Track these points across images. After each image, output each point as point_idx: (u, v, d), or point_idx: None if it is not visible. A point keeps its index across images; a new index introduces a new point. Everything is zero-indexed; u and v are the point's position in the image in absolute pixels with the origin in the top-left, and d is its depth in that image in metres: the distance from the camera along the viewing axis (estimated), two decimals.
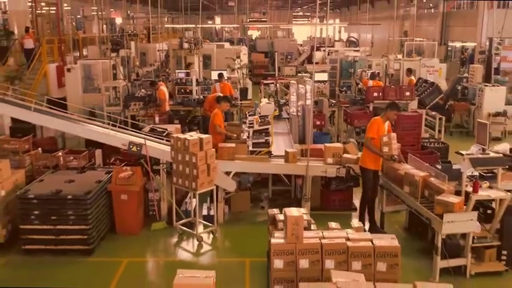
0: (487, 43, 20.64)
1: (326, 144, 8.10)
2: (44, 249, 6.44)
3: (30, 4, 20.15)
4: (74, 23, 26.65)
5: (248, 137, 8.20)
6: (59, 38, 18.98)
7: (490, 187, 6.18)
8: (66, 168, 7.65)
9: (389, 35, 24.80)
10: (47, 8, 26.44)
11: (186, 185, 6.79)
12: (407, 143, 9.15)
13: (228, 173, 7.43)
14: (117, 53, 15.58)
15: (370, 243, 4.26)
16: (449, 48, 26.79)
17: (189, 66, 15.11)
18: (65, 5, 24.58)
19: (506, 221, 6.12)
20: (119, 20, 32.96)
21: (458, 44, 25.77)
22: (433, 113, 11.59)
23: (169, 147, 7.19)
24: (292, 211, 4.47)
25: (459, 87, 14.11)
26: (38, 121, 7.72)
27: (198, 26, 20.95)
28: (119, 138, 7.44)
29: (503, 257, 6.10)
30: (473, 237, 5.98)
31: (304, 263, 4.20)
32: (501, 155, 6.38)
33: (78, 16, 29.53)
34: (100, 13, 26.40)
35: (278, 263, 4.28)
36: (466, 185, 6.08)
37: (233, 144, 7.66)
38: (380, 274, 4.09)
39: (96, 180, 6.91)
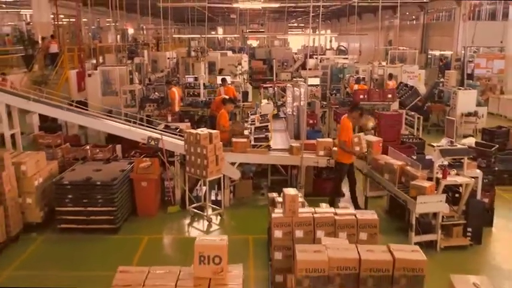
0: (462, 51, 21.14)
1: (318, 139, 8.57)
2: (76, 228, 6.86)
3: (52, 16, 20.54)
4: (90, 33, 27.05)
5: (250, 133, 8.68)
6: (78, 46, 19.43)
7: (457, 174, 6.64)
8: (93, 160, 8.11)
9: (375, 44, 25.28)
10: (67, 20, 26.91)
11: (198, 173, 7.25)
12: (389, 138, 9.50)
13: (233, 164, 7.90)
14: (132, 61, 16.03)
15: (354, 217, 4.73)
16: (429, 56, 27.31)
17: (221, 71, 15.34)
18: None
19: (471, 203, 6.58)
20: (131, 31, 33.40)
21: (437, 52, 26.28)
22: (413, 113, 12.07)
23: (183, 141, 7.67)
24: (290, 191, 4.94)
25: (436, 91, 14.59)
26: (72, 119, 8.14)
27: (203, 36, 21.36)
28: (140, 133, 7.90)
29: (468, 234, 6.55)
30: (443, 217, 6.45)
31: (299, 233, 4.65)
32: (466, 147, 6.86)
33: (93, 27, 29.93)
34: (115, 24, 26.92)
35: (278, 233, 4.75)
36: (437, 172, 6.55)
37: (245, 139, 8.13)
38: (362, 242, 4.54)
39: (120, 169, 7.37)
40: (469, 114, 12.79)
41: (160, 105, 11.83)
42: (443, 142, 6.88)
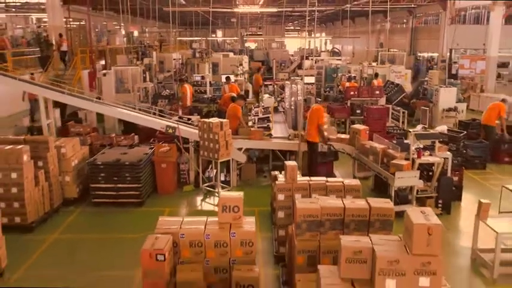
0: (448, 53, 22.31)
1: None
2: (107, 202, 7.91)
3: (65, 20, 21.54)
4: (98, 36, 28.04)
5: (254, 123, 9.76)
6: (89, 48, 20.46)
7: (430, 155, 7.75)
8: (118, 146, 9.18)
9: (367, 46, 26.39)
10: (77, 23, 27.89)
11: (210, 156, 8.32)
12: (376, 129, 10.58)
13: (239, 149, 8.97)
14: (141, 61, 17.07)
15: (342, 183, 5.80)
16: (418, 58, 28.45)
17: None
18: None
19: (442, 179, 7.67)
20: (135, 33, 34.39)
21: (425, 54, 27.43)
22: (398, 108, 13.17)
23: (195, 130, 8.75)
24: (290, 162, 6.02)
25: (421, 89, 15.72)
26: (102, 110, 9.19)
27: (206, 38, 22.46)
28: (159, 122, 8.98)
29: (439, 204, 7.66)
30: (418, 190, 7.55)
31: (298, 196, 5.68)
32: (438, 132, 7.97)
33: (96, 29, 30.93)
34: (120, 27, 27.90)
35: (280, 197, 5.81)
36: (413, 154, 7.64)
37: (262, 129, 9.22)
38: None
39: (144, 153, 8.44)
40: (449, 110, 13.90)
41: (171, 101, 12.88)
42: (418, 128, 7.99)
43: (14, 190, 6.78)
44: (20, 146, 6.85)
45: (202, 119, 8.63)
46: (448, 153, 7.92)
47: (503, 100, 11.13)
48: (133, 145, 9.07)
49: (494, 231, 5.66)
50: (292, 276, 4.97)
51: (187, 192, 8.80)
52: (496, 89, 19.42)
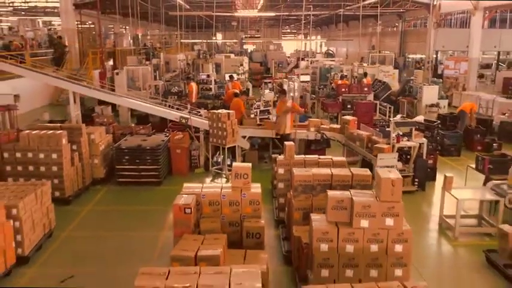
0: (434, 55, 23.48)
1: (310, 119, 10.78)
2: (131, 181, 8.99)
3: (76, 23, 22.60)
4: (103, 38, 29.11)
5: (256, 115, 10.86)
6: (100, 50, 21.52)
7: (408, 140, 8.88)
8: (136, 134, 10.27)
9: (360, 48, 27.59)
10: (86, 26, 28.98)
11: (219, 142, 9.41)
12: (364, 121, 11.75)
13: (243, 137, 10.08)
14: (150, 62, 18.15)
15: (331, 159, 6.91)
16: (408, 60, 29.64)
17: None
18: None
19: (418, 161, 8.79)
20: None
21: (414, 56, 28.62)
22: (385, 104, 14.30)
23: (205, 120, 9.86)
24: (289, 143, 7.13)
25: (407, 87, 16.86)
26: (123, 103, 10.28)
27: (207, 41, 23.57)
28: (174, 114, 10.07)
29: (415, 182, 8.78)
30: (397, 170, 8.67)
31: (295, 171, 6.81)
32: (415, 121, 9.09)
33: (105, 32, 32.05)
34: (124, 29, 28.90)
35: (281, 171, 6.91)
36: (393, 139, 8.76)
37: (274, 120, 10.30)
38: None
39: (161, 140, 9.53)
40: (432, 105, 15.05)
41: (180, 97, 13.98)
42: (397, 117, 9.11)
43: (55, 168, 7.85)
44: (59, 131, 7.94)
45: (212, 111, 9.74)
46: (424, 139, 9.05)
47: None
48: (150, 134, 10.16)
49: (455, 198, 6.80)
50: (290, 233, 6.09)
51: (198, 174, 9.89)
52: (478, 88, 20.61)
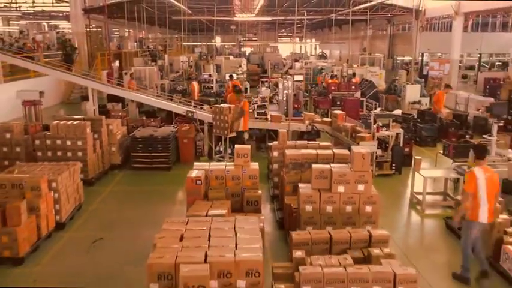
0: (420, 57, 24.62)
1: (305, 113, 11.86)
2: (144, 167, 10.04)
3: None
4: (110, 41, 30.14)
5: (254, 110, 11.93)
6: (107, 52, 22.58)
7: (386, 130, 9.97)
8: (147, 126, 11.32)
9: (351, 50, 28.65)
10: (94, 29, 29.96)
11: (222, 132, 10.48)
12: (351, 116, 12.83)
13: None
14: (155, 63, 19.22)
15: (318, 144, 7.98)
16: (397, 61, 30.78)
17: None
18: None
19: (395, 148, 9.85)
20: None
21: (402, 58, 29.76)
22: (371, 100, 15.40)
23: (208, 114, 10.92)
24: (282, 130, 8.21)
25: (393, 86, 17.98)
26: (139, 99, 11.30)
27: (207, 44, 24.62)
28: (181, 108, 11.13)
29: (393, 167, 9.87)
30: (377, 156, 9.75)
31: (287, 151, 7.86)
32: (392, 114, 10.18)
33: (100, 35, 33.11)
34: (128, 32, 29.87)
35: (275, 154, 7.97)
36: (374, 129, 9.85)
37: (281, 115, 11.34)
38: None
39: (170, 131, 10.59)
40: (414, 102, 16.17)
41: (185, 95, 15.03)
42: (377, 110, 10.20)
43: (80, 154, 8.88)
44: (84, 122, 8.99)
45: (215, 105, 10.80)
46: (401, 130, 10.14)
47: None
48: (160, 126, 11.22)
49: (423, 176, 7.89)
50: (282, 203, 7.16)
51: (202, 161, 10.93)
52: (460, 88, 21.72)
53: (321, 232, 5.12)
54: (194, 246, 4.26)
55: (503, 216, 6.02)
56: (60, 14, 34.72)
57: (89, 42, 24.57)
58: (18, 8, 30.74)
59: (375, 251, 4.68)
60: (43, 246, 6.45)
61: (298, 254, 4.60)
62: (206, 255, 4.06)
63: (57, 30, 34.29)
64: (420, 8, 23.42)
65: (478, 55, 26.38)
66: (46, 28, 41.11)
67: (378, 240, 4.94)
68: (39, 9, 31.05)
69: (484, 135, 8.71)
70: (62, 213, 6.98)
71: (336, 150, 7.04)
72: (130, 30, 34.85)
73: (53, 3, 29.61)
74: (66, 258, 6.21)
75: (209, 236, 4.49)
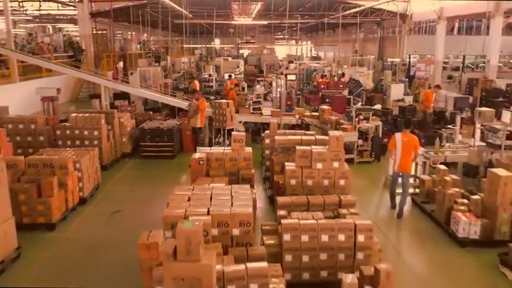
0: (407, 59, 25.74)
1: (296, 108, 12.94)
2: (151, 155, 11.09)
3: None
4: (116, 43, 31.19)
5: (249, 105, 13.01)
6: (113, 53, 23.64)
7: (367, 123, 11.06)
8: (154, 119, 12.39)
9: (344, 52, 29.80)
10: (98, 32, 31.04)
11: (221, 125, 11.55)
12: (338, 111, 13.90)
13: (240, 122, 12.20)
14: (159, 63, 20.29)
15: (304, 132, 9.06)
16: (387, 63, 31.88)
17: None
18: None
19: (374, 138, 10.95)
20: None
21: (392, 59, 30.87)
22: (358, 98, 16.49)
23: (208, 109, 11.99)
24: (273, 120, 9.28)
25: (379, 85, 19.08)
26: (147, 95, 12.37)
27: (206, 46, 25.69)
28: (185, 103, 12.20)
29: (372, 155, 10.97)
30: (358, 145, 10.84)
31: (276, 137, 8.91)
32: (373, 108, 11.27)
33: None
34: (131, 35, 30.88)
35: (267, 141, 9.06)
36: (355, 122, 10.94)
37: (280, 110, 12.39)
38: None
39: (175, 123, 11.66)
40: (398, 100, 17.25)
41: (186, 93, 16.10)
42: (358, 104, 11.29)
43: (95, 142, 9.92)
44: (99, 114, 10.06)
45: (215, 100, 11.88)
46: (380, 122, 11.23)
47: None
48: (166, 119, 12.29)
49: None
50: (272, 181, 8.23)
51: None
52: (445, 87, 22.81)
53: (301, 197, 6.21)
54: (199, 204, 5.33)
55: (455, 189, 7.11)
56: (65, 17, 35.85)
57: (95, 44, 25.66)
58: (24, 12, 31.84)
59: (343, 210, 5.76)
60: (70, 216, 7.51)
61: (281, 212, 5.69)
62: (208, 210, 5.14)
63: (64, 33, 35.29)
64: (407, 13, 24.53)
65: (462, 57, 27.47)
66: (51, 31, 42.14)
67: (346, 204, 6.02)
68: (45, 12, 32.17)
69: (448, 126, 9.79)
70: (84, 190, 8.04)
71: (318, 136, 8.12)
72: (133, 33, 35.93)
73: (58, 7, 30.75)
74: (90, 226, 7.28)
75: (211, 198, 5.56)
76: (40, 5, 30.49)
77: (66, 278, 5.67)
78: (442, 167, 7.98)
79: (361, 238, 5.12)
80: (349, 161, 10.60)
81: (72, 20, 36.33)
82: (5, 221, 5.88)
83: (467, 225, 6.38)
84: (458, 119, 9.38)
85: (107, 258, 6.15)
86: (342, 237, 5.13)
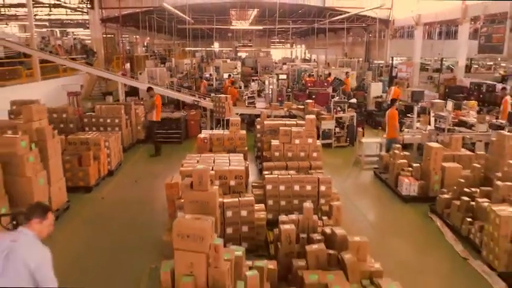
0: (390, 61, 27.58)
1: (285, 102, 14.74)
2: (161, 141, 12.81)
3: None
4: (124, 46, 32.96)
5: (245, 100, 14.83)
6: (122, 55, 25.40)
7: (343, 113, 12.88)
8: (163, 111, 14.15)
9: (336, 54, 31.59)
10: (108, 36, 32.83)
11: (220, 116, 13.34)
12: (321, 105, 15.75)
13: (236, 113, 13.99)
14: (164, 65, 22.07)
15: (288, 119, 10.86)
16: (373, 65, 33.74)
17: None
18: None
19: (349, 127, 12.77)
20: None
21: (378, 62, 32.73)
22: (343, 95, 18.30)
23: (210, 103, 13.79)
24: (264, 111, 11.07)
25: (362, 84, 20.92)
26: (161, 92, 14.10)
27: (206, 49, 27.44)
28: (190, 98, 14.01)
29: (347, 140, 12.79)
30: (335, 132, 12.66)
31: (265, 122, 10.69)
32: (348, 101, 13.10)
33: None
34: (135, 38, 32.59)
35: (258, 126, 10.85)
36: (334, 112, 12.75)
37: (278, 103, 14.21)
38: None
39: (181, 114, 13.46)
40: (377, 97, 19.06)
41: (190, 90, 17.91)
42: (336, 98, 13.13)
43: (116, 129, 11.71)
44: (119, 105, 11.85)
45: (215, 95, 13.70)
46: (354, 113, 13.06)
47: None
48: (173, 111, 14.09)
49: (361, 142, 10.79)
50: (262, 156, 10.03)
51: None
52: (423, 86, 24.68)
53: (281, 163, 8.03)
54: (205, 164, 7.13)
55: (403, 161, 8.93)
56: (72, 22, 37.61)
57: (105, 47, 27.43)
58: (34, 17, 33.57)
59: (312, 171, 7.57)
60: (101, 183, 9.30)
61: (266, 172, 7.49)
62: (212, 168, 6.94)
63: (74, 36, 37.10)
64: (390, 19, 26.38)
65: (440, 59, 29.34)
66: (58, 34, 43.89)
67: (315, 167, 7.84)
68: (53, 17, 33.92)
69: (407, 115, 11.61)
70: (112, 164, 9.83)
71: (298, 122, 9.94)
72: (137, 37, 37.71)
73: (66, 12, 32.51)
74: (118, 190, 9.07)
75: (214, 161, 7.37)
76: (50, 10, 32.23)
77: (107, 221, 7.46)
78: (397, 145, 9.78)
79: (323, 188, 6.93)
80: (328, 145, 12.48)
81: (80, 25, 38.13)
82: (59, 180, 7.67)
83: (409, 186, 8.20)
84: (415, 109, 11.22)
85: (133, 210, 7.94)
86: (309, 187, 6.93)
